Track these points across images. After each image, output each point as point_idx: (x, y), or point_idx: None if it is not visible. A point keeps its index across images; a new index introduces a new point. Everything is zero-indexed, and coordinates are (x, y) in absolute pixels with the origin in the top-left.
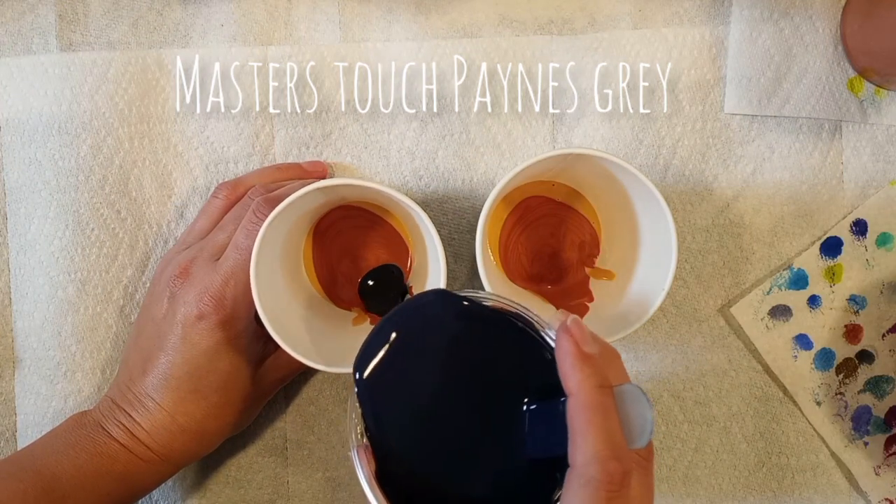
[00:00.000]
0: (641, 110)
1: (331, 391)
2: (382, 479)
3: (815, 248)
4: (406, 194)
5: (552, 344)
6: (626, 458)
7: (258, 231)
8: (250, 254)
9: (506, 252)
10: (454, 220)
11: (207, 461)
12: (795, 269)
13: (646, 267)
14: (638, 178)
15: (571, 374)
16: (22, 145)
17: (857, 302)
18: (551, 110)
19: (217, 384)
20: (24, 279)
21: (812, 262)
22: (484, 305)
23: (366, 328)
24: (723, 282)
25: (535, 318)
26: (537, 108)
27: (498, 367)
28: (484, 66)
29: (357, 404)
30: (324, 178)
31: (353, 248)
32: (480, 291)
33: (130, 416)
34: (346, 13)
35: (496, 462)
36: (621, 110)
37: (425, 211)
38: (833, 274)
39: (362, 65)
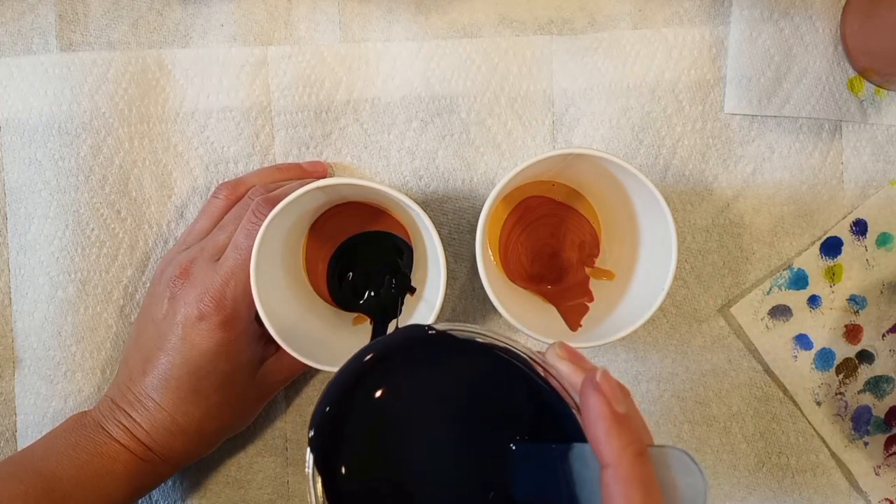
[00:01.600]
0: (641, 110)
1: None
2: None
3: (815, 248)
4: (406, 194)
5: (546, 380)
6: None
7: (258, 231)
8: (250, 254)
9: (506, 252)
10: (454, 220)
11: (207, 461)
12: (795, 269)
13: (646, 267)
14: (638, 177)
15: (607, 442)
16: (22, 145)
17: (857, 302)
18: (551, 110)
19: (217, 385)
20: (24, 279)
21: (812, 262)
22: (466, 340)
23: (366, 328)
24: (723, 282)
25: (526, 352)
26: (537, 108)
27: (481, 404)
28: (484, 67)
29: (314, 470)
30: (324, 177)
31: None
32: (465, 325)
33: (130, 416)
34: (346, 13)
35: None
36: (621, 110)
37: (425, 211)
38: (833, 274)
39: (362, 65)
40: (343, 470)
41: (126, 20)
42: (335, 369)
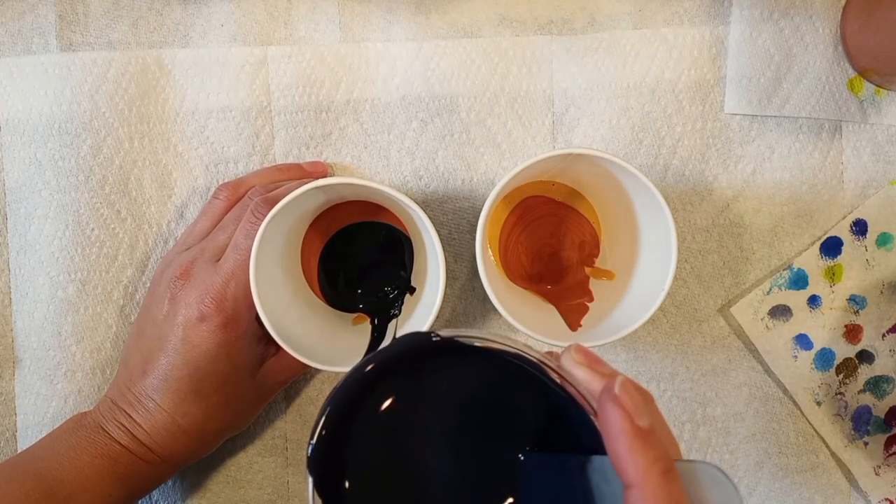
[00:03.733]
0: (641, 110)
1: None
2: None
3: (815, 248)
4: (406, 194)
5: (563, 386)
6: None
7: (257, 231)
8: (250, 254)
9: (506, 252)
10: (454, 220)
11: (207, 461)
12: (795, 269)
13: (646, 267)
14: (638, 177)
15: (630, 460)
16: (22, 145)
17: (857, 302)
18: (551, 110)
19: (217, 385)
20: (24, 279)
21: (812, 262)
22: (474, 346)
23: (365, 328)
24: (723, 282)
25: (538, 357)
26: (537, 108)
27: (489, 414)
28: (484, 66)
29: (312, 486)
30: (324, 177)
31: None
32: (471, 330)
33: (131, 416)
34: (346, 13)
35: None
36: (621, 110)
37: (425, 211)
38: (833, 274)
39: (362, 65)
40: (346, 489)
41: (126, 20)
42: (335, 369)
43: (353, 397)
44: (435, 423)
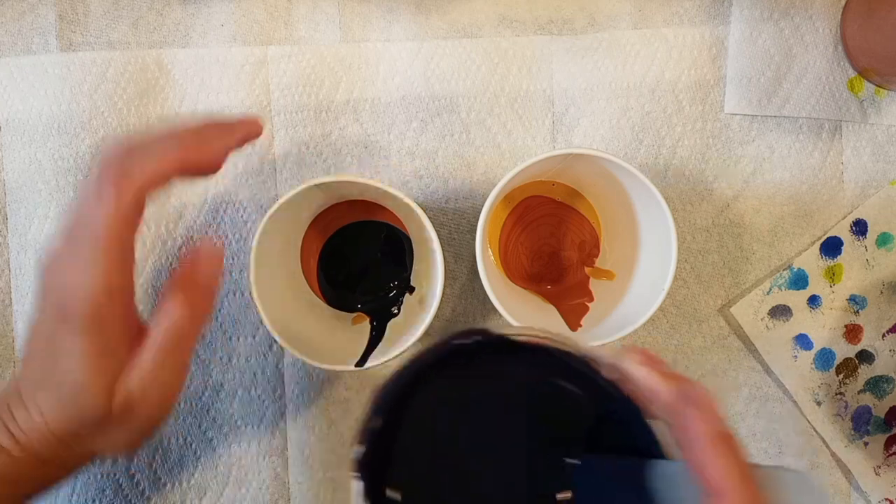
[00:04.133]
0: (641, 110)
1: (331, 391)
2: None
3: (816, 248)
4: (406, 194)
5: (615, 385)
6: None
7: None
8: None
9: (506, 252)
10: (454, 220)
11: (207, 461)
12: (795, 269)
13: (646, 267)
14: (637, 177)
15: (717, 465)
16: (22, 145)
17: (857, 302)
18: (551, 110)
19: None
20: (24, 279)
21: (812, 262)
22: (522, 343)
23: (365, 327)
24: (723, 282)
25: (589, 354)
26: (537, 108)
27: (538, 413)
28: (484, 66)
29: (363, 490)
30: (258, 135)
31: None
32: (522, 327)
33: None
34: (346, 13)
35: None
36: (621, 110)
37: (425, 211)
38: (833, 274)
39: (362, 65)
40: (394, 492)
41: (126, 20)
42: (335, 368)
43: (398, 397)
44: (482, 423)
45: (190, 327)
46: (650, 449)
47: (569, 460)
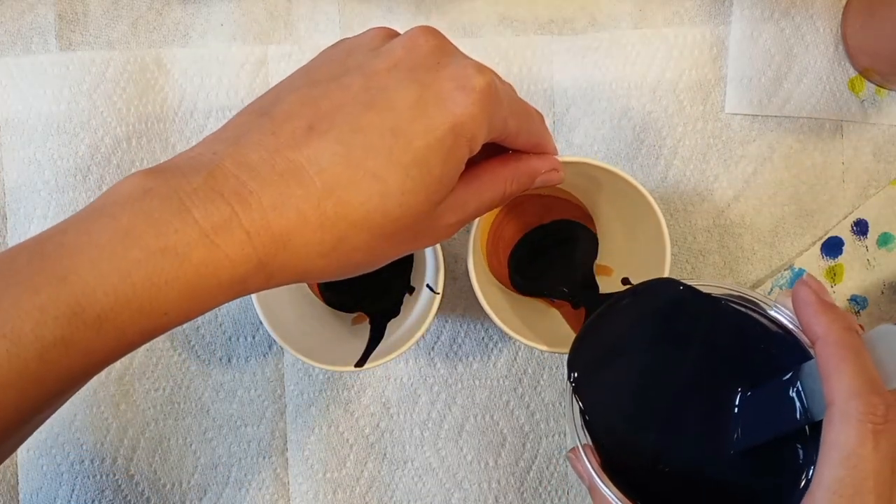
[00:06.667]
0: (642, 110)
1: (331, 391)
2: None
3: (816, 248)
4: None
5: (782, 321)
6: (885, 392)
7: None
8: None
9: (497, 252)
10: None
11: (207, 461)
12: (796, 270)
13: (642, 265)
14: (624, 178)
15: (816, 320)
16: (21, 145)
17: (858, 302)
18: (552, 110)
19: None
20: None
21: (813, 262)
22: (710, 295)
23: (364, 328)
24: (723, 282)
25: (760, 298)
26: (538, 108)
27: (715, 353)
28: None
29: (575, 399)
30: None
31: None
32: (707, 281)
33: (255, 196)
34: (346, 13)
35: (713, 448)
36: (622, 110)
37: None
38: (834, 274)
39: None
40: (595, 405)
41: (126, 20)
42: (335, 368)
43: (602, 327)
44: (671, 360)
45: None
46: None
47: (740, 392)
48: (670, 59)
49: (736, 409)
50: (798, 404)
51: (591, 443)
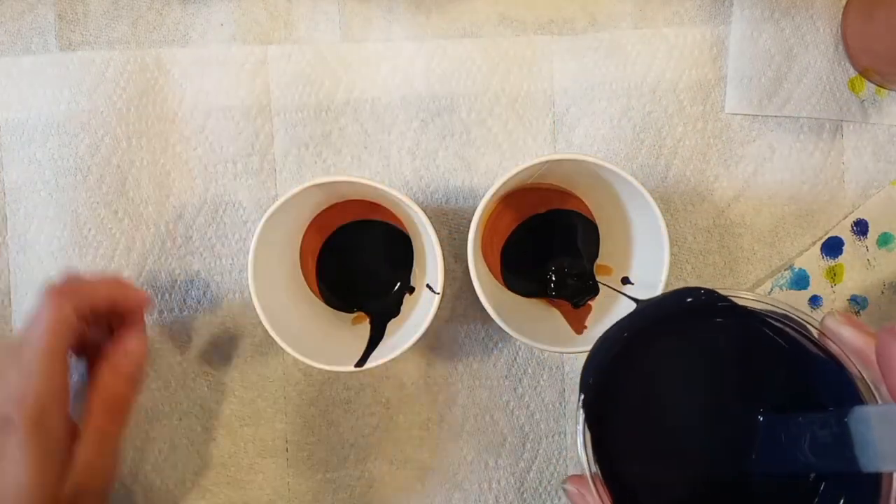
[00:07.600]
0: (642, 110)
1: (331, 392)
2: (609, 480)
3: (816, 248)
4: (406, 194)
5: (831, 349)
6: None
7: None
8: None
9: (496, 252)
10: (454, 220)
11: (207, 461)
12: (796, 270)
13: (641, 265)
14: (624, 178)
15: None
16: (21, 145)
17: (858, 302)
18: (552, 110)
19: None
20: (24, 279)
21: (813, 262)
22: (738, 305)
23: (364, 328)
24: (724, 282)
25: (802, 317)
26: (538, 108)
27: (740, 369)
28: (484, 66)
29: (586, 426)
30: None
31: None
32: (733, 290)
33: None
34: (346, 13)
35: (726, 468)
36: (622, 110)
37: (425, 211)
38: (834, 274)
39: (362, 65)
40: (608, 430)
41: (126, 20)
42: (335, 369)
43: (621, 342)
44: (690, 375)
45: (123, 399)
46: (853, 401)
47: (760, 417)
48: (670, 59)
49: (761, 429)
50: (834, 443)
51: (600, 474)
